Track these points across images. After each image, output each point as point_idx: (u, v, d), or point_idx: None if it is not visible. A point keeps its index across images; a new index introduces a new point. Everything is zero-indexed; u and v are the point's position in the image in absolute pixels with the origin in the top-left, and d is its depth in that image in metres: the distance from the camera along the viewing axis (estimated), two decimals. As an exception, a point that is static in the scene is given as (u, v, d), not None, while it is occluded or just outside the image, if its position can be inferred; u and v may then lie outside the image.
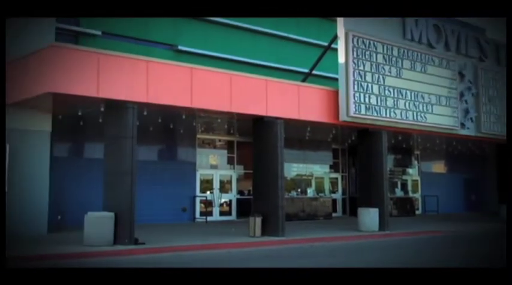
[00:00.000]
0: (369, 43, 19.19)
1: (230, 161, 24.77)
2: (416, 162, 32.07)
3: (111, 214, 13.96)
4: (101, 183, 14.99)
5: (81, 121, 17.88)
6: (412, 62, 20.44)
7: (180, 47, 21.84)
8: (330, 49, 20.64)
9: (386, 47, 19.64)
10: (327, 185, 28.12)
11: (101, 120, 16.01)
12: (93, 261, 11.84)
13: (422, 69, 20.81)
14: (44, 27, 16.71)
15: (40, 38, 15.79)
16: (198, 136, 23.24)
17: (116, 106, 14.53)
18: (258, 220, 16.55)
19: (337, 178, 28.95)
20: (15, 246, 13.22)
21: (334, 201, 27.68)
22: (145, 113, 15.96)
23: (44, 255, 12.10)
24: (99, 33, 19.58)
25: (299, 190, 26.18)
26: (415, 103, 20.32)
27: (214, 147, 24.49)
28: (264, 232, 16.54)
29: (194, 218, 22.72)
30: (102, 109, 14.99)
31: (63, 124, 17.57)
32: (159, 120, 18.26)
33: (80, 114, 16.37)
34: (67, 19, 18.51)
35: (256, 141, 17.80)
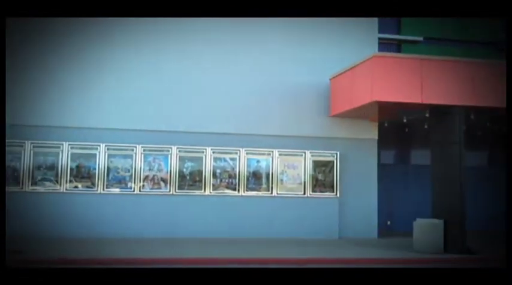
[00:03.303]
0: None
1: None
2: None
3: (440, 221, 13.71)
4: (427, 189, 14.88)
5: (406, 128, 18.06)
6: None
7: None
8: None
9: None
10: None
11: (426, 126, 15.94)
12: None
13: None
14: (367, 38, 17.48)
15: (363, 49, 16.55)
16: (535, 138, 21.27)
17: (440, 111, 14.28)
18: None
19: None
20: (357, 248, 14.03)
21: None
22: (472, 117, 15.33)
23: (374, 259, 12.55)
24: (421, 39, 19.53)
25: None
26: None
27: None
28: None
29: (531, 228, 20.77)
30: (426, 115, 14.89)
31: (389, 131, 18.03)
32: (487, 124, 17.29)
33: (404, 120, 16.55)
34: (388, 29, 18.98)
35: None
